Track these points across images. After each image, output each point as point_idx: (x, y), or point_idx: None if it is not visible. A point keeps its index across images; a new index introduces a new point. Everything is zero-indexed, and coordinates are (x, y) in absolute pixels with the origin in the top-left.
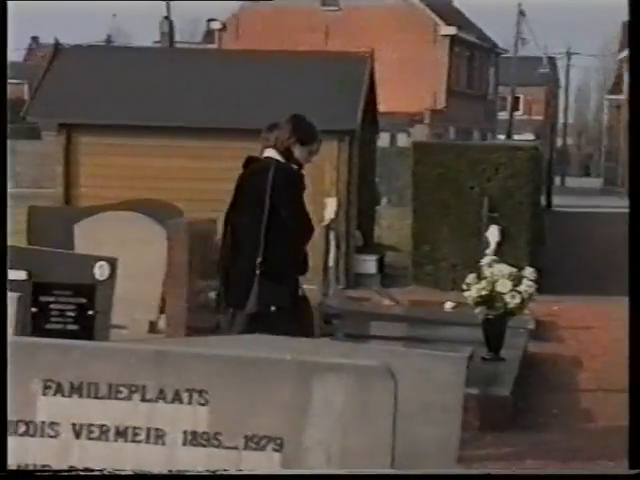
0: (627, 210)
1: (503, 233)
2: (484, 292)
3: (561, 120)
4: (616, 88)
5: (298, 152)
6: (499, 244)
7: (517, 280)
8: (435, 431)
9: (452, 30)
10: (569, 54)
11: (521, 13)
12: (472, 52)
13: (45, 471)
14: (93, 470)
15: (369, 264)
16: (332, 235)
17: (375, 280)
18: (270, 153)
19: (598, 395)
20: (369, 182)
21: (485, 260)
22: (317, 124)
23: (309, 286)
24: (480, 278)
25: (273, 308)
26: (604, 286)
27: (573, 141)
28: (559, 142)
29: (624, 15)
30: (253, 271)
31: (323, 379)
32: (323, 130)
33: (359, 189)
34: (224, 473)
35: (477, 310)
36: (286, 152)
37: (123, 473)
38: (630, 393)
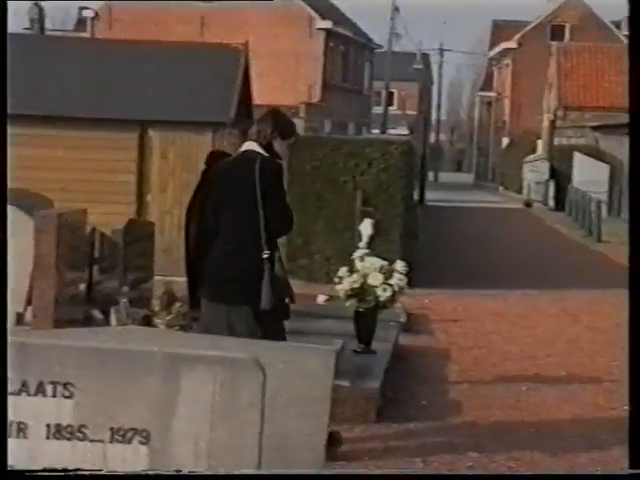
0: (497, 205)
1: (376, 227)
2: (356, 285)
3: (434, 116)
4: (487, 85)
5: (278, 146)
6: (372, 237)
7: (388, 273)
8: (304, 424)
9: (328, 24)
10: (442, 50)
11: (395, 9)
12: (347, 47)
13: (45, 471)
14: (93, 470)
15: None
16: None
17: None
18: (252, 146)
19: (464, 387)
20: None
21: (357, 253)
22: (191, 116)
23: (181, 278)
24: (352, 271)
25: (287, 300)
26: (475, 279)
27: (446, 137)
28: (432, 137)
29: (495, 14)
30: (258, 266)
31: (191, 371)
32: (197, 122)
33: None
34: (224, 473)
35: (348, 303)
36: (268, 146)
37: (123, 473)
38: (630, 393)
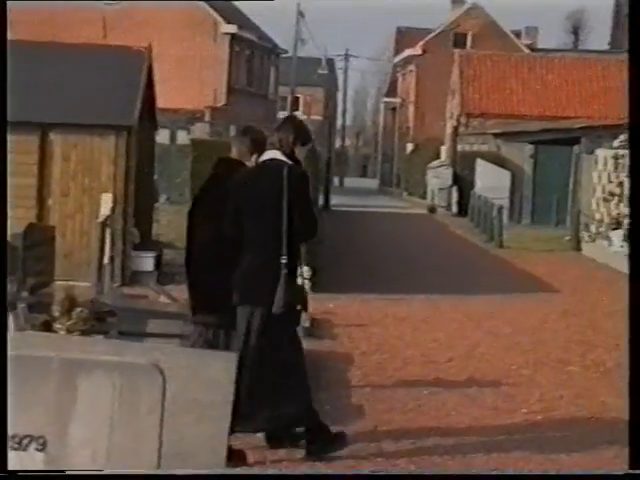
0: (401, 210)
1: None
2: None
3: (339, 121)
4: (391, 91)
5: (298, 152)
6: None
7: None
8: (204, 428)
9: (232, 28)
10: (347, 56)
11: (300, 14)
12: (252, 51)
13: (44, 471)
14: (93, 470)
15: (146, 261)
16: (108, 232)
17: (152, 277)
18: (276, 155)
19: (367, 391)
20: (147, 179)
21: None
22: (93, 119)
23: (83, 283)
24: None
25: (299, 307)
26: (379, 284)
27: (351, 142)
28: (337, 143)
29: (400, 20)
30: (274, 271)
31: (90, 377)
32: (100, 125)
33: (137, 185)
34: (224, 473)
35: None
36: (290, 153)
37: (123, 473)
38: (630, 393)
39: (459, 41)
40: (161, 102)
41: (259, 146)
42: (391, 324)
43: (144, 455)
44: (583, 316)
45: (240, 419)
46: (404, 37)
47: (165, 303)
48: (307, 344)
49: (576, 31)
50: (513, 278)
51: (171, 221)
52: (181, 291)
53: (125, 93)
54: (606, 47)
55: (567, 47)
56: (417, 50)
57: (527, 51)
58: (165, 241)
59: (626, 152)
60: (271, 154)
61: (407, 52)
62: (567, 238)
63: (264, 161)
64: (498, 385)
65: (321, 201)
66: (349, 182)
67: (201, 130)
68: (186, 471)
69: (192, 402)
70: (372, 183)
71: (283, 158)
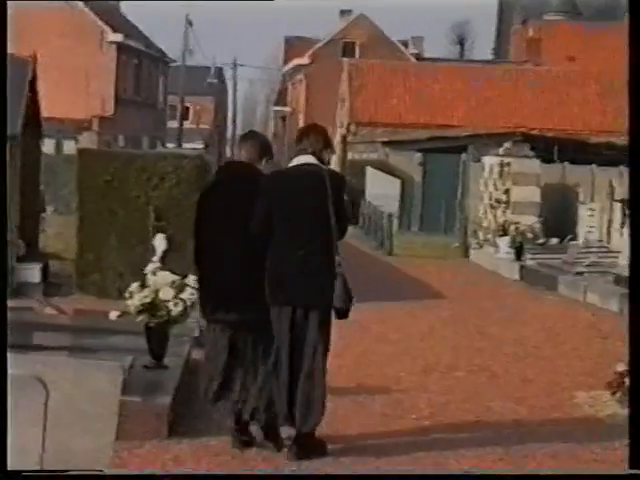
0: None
1: (170, 241)
2: (147, 300)
3: (229, 130)
4: (281, 100)
5: (326, 156)
6: (166, 252)
7: (180, 288)
8: (89, 441)
9: (119, 37)
10: (236, 65)
11: (188, 23)
12: (140, 60)
13: (44, 471)
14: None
15: (32, 273)
16: None
17: (38, 289)
18: (310, 159)
19: None
20: (33, 189)
21: (149, 268)
22: None
23: None
24: (143, 286)
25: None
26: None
27: None
28: (228, 152)
29: (286, 30)
30: (332, 269)
31: None
32: None
33: (22, 196)
34: (224, 473)
35: (140, 318)
36: (321, 158)
37: (123, 473)
38: (630, 393)
39: (347, 50)
40: (47, 111)
41: (268, 150)
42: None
43: (25, 466)
44: (470, 322)
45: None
46: (292, 46)
47: (51, 314)
48: (197, 354)
49: (461, 41)
50: (402, 285)
51: (59, 232)
52: (69, 302)
53: (8, 101)
54: (490, 57)
55: (452, 57)
56: (305, 59)
57: (414, 60)
58: (52, 252)
59: (511, 160)
60: (304, 159)
61: (296, 61)
62: (456, 245)
63: (302, 165)
64: (388, 391)
65: None
66: None
67: (88, 140)
68: (186, 471)
69: (77, 414)
70: None
71: (317, 162)
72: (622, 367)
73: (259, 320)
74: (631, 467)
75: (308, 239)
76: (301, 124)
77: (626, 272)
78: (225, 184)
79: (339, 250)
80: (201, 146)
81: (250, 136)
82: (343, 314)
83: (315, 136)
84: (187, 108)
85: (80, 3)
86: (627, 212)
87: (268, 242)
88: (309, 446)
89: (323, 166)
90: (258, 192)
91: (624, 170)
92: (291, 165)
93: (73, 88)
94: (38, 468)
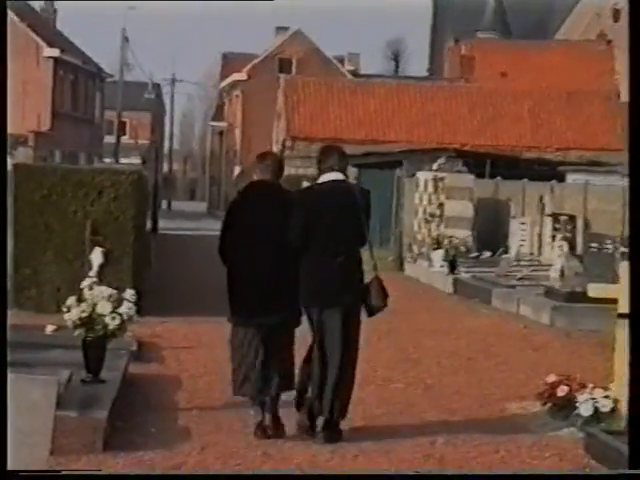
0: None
1: (107, 256)
2: (84, 314)
3: (167, 145)
4: (218, 116)
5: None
6: (103, 266)
7: (118, 302)
8: (24, 454)
9: (55, 52)
10: (173, 81)
11: (125, 39)
12: (77, 75)
13: (44, 471)
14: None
15: None
16: None
17: None
18: (338, 176)
19: (194, 413)
20: None
21: (86, 282)
22: None
23: None
24: (81, 300)
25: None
26: (208, 307)
27: (179, 166)
28: (165, 167)
29: (226, 46)
30: (359, 274)
31: None
32: None
33: None
34: (225, 473)
35: (77, 332)
36: (346, 174)
37: (123, 473)
38: (630, 394)
39: (284, 67)
40: None
41: (281, 169)
42: (218, 346)
43: None
44: (406, 335)
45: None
46: (230, 62)
47: None
48: (134, 368)
49: (396, 58)
50: None
51: None
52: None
53: None
54: (425, 74)
55: (388, 73)
56: (243, 75)
57: (350, 77)
58: None
59: (445, 175)
60: (334, 176)
61: (233, 77)
62: (390, 258)
63: (333, 181)
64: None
65: (149, 225)
66: (177, 205)
67: (24, 155)
68: (187, 471)
69: (10, 428)
70: (201, 206)
71: (344, 178)
72: (553, 378)
73: (293, 321)
74: (631, 467)
75: (343, 248)
76: (238, 140)
77: (557, 284)
78: (253, 201)
79: (373, 253)
80: (138, 161)
81: (266, 157)
82: (372, 312)
83: (339, 155)
84: (124, 123)
85: (15, 17)
86: (556, 226)
87: (299, 251)
88: (337, 432)
89: (351, 182)
90: (286, 206)
91: (555, 185)
92: (322, 181)
93: (9, 103)
94: None
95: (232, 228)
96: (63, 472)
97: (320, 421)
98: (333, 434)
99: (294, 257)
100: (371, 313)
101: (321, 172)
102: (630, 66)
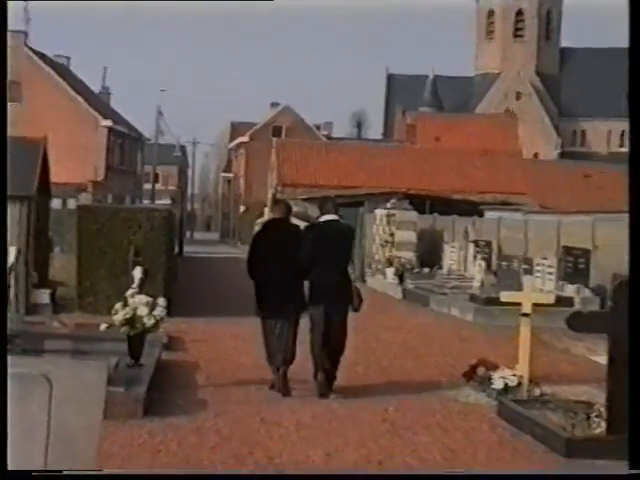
0: (236, 255)
1: (145, 272)
2: (128, 316)
3: (189, 190)
4: (228, 168)
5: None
6: (142, 280)
7: (153, 307)
8: (83, 420)
9: (109, 123)
10: (194, 143)
11: (159, 113)
12: (124, 139)
13: (44, 471)
14: (93, 470)
15: (44, 296)
16: (13, 275)
17: (48, 308)
18: (335, 217)
19: (210, 389)
20: (44, 235)
21: (129, 292)
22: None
23: None
24: (126, 305)
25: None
26: (220, 310)
27: (198, 205)
28: (188, 206)
29: (233, 116)
30: (350, 283)
31: None
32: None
33: (36, 240)
34: (227, 473)
35: (123, 329)
36: (339, 216)
37: (123, 473)
38: (630, 394)
39: (276, 132)
40: (55, 177)
41: (290, 210)
42: (228, 339)
43: (34, 444)
44: (368, 331)
45: (315, 367)
46: (236, 129)
47: (57, 327)
48: (165, 356)
49: (359, 125)
50: None
51: (63, 266)
52: (71, 318)
53: (26, 171)
54: (380, 137)
55: (353, 137)
56: (245, 138)
57: (325, 139)
58: (59, 281)
59: (395, 211)
60: (332, 217)
61: (239, 140)
62: (355, 274)
63: (329, 220)
64: (306, 382)
65: (176, 249)
66: (197, 235)
67: (85, 198)
68: (187, 471)
69: (74, 401)
70: (215, 236)
71: (338, 219)
72: (474, 362)
73: (297, 315)
74: (631, 467)
75: (339, 267)
76: (242, 186)
77: (478, 292)
78: (272, 232)
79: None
80: (168, 202)
81: (279, 202)
82: (356, 309)
83: (333, 203)
84: (158, 174)
85: (80, 98)
86: (477, 249)
87: (305, 269)
88: (332, 385)
89: (343, 222)
90: (294, 236)
91: (476, 219)
92: (323, 220)
93: (75, 160)
94: (45, 441)
95: (256, 253)
96: (64, 472)
97: (322, 378)
98: (330, 386)
99: (299, 272)
100: (356, 310)
101: (322, 214)
102: (630, 66)
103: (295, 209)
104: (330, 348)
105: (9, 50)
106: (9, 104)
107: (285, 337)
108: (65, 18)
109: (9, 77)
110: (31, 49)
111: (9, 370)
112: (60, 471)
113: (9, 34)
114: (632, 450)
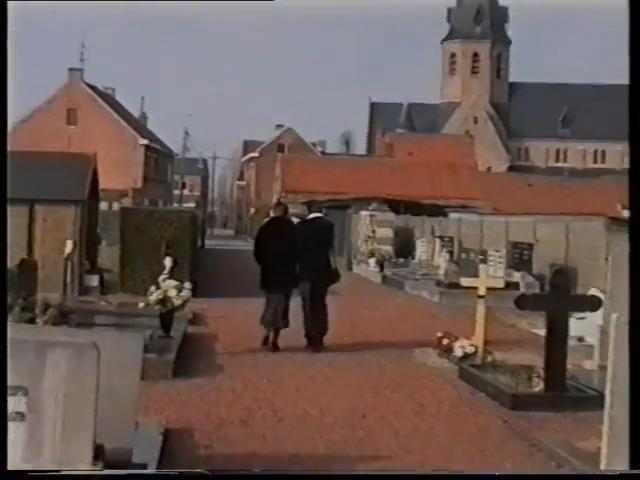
0: (248, 248)
1: (174, 261)
2: (160, 296)
3: (210, 195)
4: (241, 178)
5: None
6: (172, 268)
7: (180, 289)
8: (124, 380)
9: (145, 141)
10: (215, 158)
11: (186, 133)
12: (158, 154)
13: (44, 471)
14: (93, 470)
15: (93, 280)
16: (69, 263)
17: (97, 290)
18: (319, 214)
19: (226, 356)
20: (94, 231)
21: (161, 277)
22: (61, 196)
23: (54, 294)
24: (158, 288)
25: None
26: (235, 292)
27: (217, 208)
28: (210, 208)
29: (245, 135)
30: (330, 267)
31: (53, 352)
32: (65, 200)
33: (88, 235)
34: (228, 473)
35: (156, 307)
36: (322, 212)
37: (123, 473)
38: (630, 394)
39: (280, 149)
40: (102, 185)
41: (287, 210)
42: (241, 316)
43: (85, 397)
44: (354, 309)
45: (305, 328)
46: (248, 146)
47: (104, 305)
48: (190, 329)
49: (347, 143)
50: None
51: (109, 256)
52: (115, 298)
53: (79, 180)
54: (365, 153)
55: (343, 152)
56: (256, 154)
57: (320, 155)
58: (105, 268)
59: (376, 213)
60: (317, 214)
61: (250, 155)
62: (344, 263)
63: (315, 217)
64: (303, 350)
65: (199, 243)
66: (216, 232)
67: (127, 202)
68: (187, 471)
69: (117, 365)
70: (230, 232)
71: (323, 216)
72: (440, 334)
73: (291, 290)
74: (631, 467)
75: (320, 254)
76: (253, 192)
77: (443, 278)
78: (273, 227)
79: (334, 259)
80: (193, 205)
81: (278, 204)
82: (332, 283)
83: (317, 204)
84: (184, 183)
85: (123, 121)
86: (442, 243)
87: (300, 255)
88: (320, 346)
89: (326, 218)
90: (292, 230)
91: (442, 219)
92: (310, 217)
93: (118, 172)
94: (94, 395)
95: (261, 243)
96: (63, 472)
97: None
98: (319, 346)
99: (295, 258)
100: (334, 282)
101: (310, 212)
102: (630, 66)
103: (295, 210)
104: (316, 314)
105: (68, 84)
106: (69, 127)
107: (282, 306)
108: (114, 54)
109: (67, 105)
110: (86, 83)
111: (66, 339)
112: (59, 471)
113: (68, 71)
114: (632, 450)
